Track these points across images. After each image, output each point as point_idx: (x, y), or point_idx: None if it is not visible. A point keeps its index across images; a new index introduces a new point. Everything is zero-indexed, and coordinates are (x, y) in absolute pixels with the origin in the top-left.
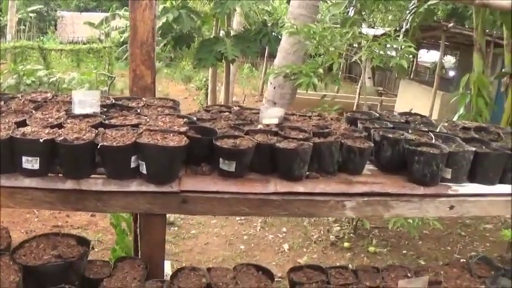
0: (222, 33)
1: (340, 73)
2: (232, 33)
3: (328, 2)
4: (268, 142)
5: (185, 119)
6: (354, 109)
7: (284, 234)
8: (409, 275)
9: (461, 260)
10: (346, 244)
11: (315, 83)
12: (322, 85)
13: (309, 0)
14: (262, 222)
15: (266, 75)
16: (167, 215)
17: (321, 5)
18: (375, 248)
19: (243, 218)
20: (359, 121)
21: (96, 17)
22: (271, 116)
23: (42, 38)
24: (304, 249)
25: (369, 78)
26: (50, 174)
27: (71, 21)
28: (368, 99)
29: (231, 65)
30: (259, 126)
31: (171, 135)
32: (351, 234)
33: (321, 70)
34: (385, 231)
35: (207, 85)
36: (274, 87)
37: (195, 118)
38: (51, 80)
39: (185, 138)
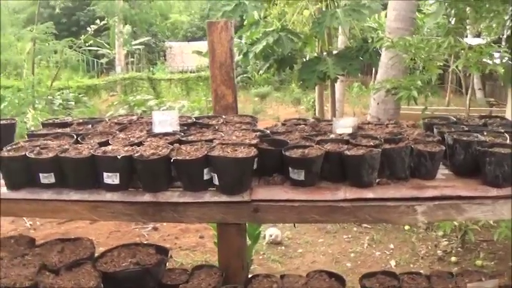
0: (324, 53)
1: (449, 85)
2: (334, 52)
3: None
4: (336, 150)
5: (258, 133)
6: None
7: (391, 251)
8: (483, 279)
9: None
10: (453, 259)
11: (415, 96)
12: (432, 99)
13: (405, 12)
14: (370, 239)
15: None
16: (276, 236)
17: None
18: (482, 262)
19: (350, 236)
20: (435, 126)
21: (204, 45)
22: (344, 125)
23: (152, 68)
24: (411, 265)
25: (479, 89)
26: (130, 189)
27: (180, 51)
28: (477, 111)
29: (337, 84)
30: (332, 136)
31: (242, 147)
32: (458, 249)
33: (419, 82)
34: (492, 244)
35: (315, 106)
36: (378, 103)
37: (268, 131)
38: (161, 109)
39: (254, 149)
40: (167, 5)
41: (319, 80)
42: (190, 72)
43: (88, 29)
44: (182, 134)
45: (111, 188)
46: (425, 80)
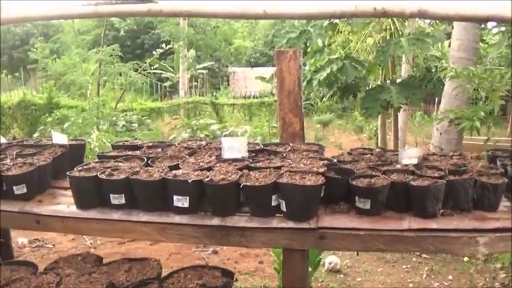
0: (387, 81)
1: (510, 116)
2: (398, 80)
3: (488, 42)
4: (402, 180)
5: (326, 161)
6: None
7: (450, 282)
8: None
9: None
10: None
11: (477, 126)
12: (493, 130)
13: (469, 42)
14: (429, 270)
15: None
16: (335, 264)
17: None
18: None
19: (409, 265)
20: (498, 159)
21: (267, 71)
22: (410, 156)
23: (215, 93)
24: None
25: None
26: (199, 212)
27: (243, 76)
28: None
29: (400, 112)
30: (398, 166)
31: (310, 175)
32: None
33: (482, 113)
34: None
35: (377, 134)
36: (441, 133)
37: (335, 160)
38: (224, 133)
39: (322, 178)
40: (231, 30)
41: (382, 109)
42: (253, 97)
43: (154, 52)
44: (251, 160)
45: (180, 210)
46: (487, 111)
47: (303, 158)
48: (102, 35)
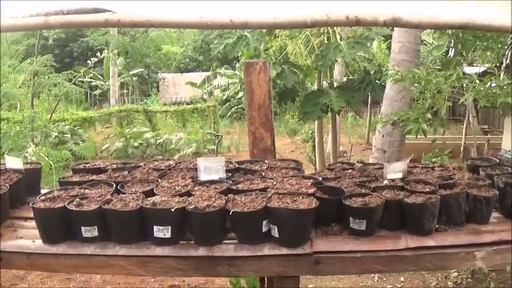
0: (325, 84)
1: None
2: (335, 84)
3: (428, 45)
4: (396, 198)
5: (311, 180)
6: (461, 150)
7: (402, 284)
8: None
9: None
10: None
11: (424, 128)
12: (431, 129)
13: (410, 44)
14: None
15: (372, 123)
16: None
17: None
18: None
19: None
20: (480, 168)
21: (197, 76)
22: (395, 170)
23: (145, 100)
24: None
25: (474, 117)
26: (181, 242)
27: (173, 83)
28: (474, 139)
29: (336, 115)
30: (385, 182)
31: (301, 197)
32: (469, 279)
33: (429, 115)
34: (502, 274)
35: (314, 137)
36: (383, 136)
37: (320, 178)
38: (158, 141)
39: (315, 200)
40: (159, 36)
41: (322, 113)
42: (186, 104)
43: (89, 62)
44: (230, 182)
45: (161, 241)
46: (433, 113)
47: (285, 177)
48: (36, 45)
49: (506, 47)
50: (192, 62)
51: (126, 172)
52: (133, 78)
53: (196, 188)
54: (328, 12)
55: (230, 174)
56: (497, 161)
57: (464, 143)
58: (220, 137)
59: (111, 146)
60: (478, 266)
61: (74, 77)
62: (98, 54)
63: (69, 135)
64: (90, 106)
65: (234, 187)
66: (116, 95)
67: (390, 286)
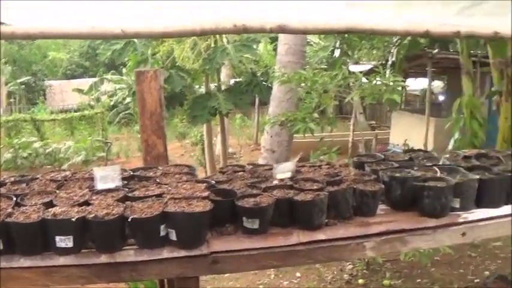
0: (212, 87)
1: (332, 114)
2: (222, 86)
3: (314, 45)
4: (286, 196)
5: (204, 184)
6: (349, 146)
7: (298, 279)
8: None
9: (476, 281)
10: (360, 281)
11: (312, 127)
12: (319, 128)
13: (296, 46)
14: (275, 269)
15: (260, 124)
16: None
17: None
18: (389, 281)
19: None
20: (366, 164)
21: (85, 83)
22: (284, 170)
23: (32, 109)
24: None
25: (361, 113)
26: (83, 250)
27: (60, 90)
28: (363, 135)
29: (224, 117)
30: (275, 182)
31: (195, 201)
32: (364, 271)
33: (315, 114)
34: (397, 263)
35: (203, 140)
36: (271, 136)
37: (213, 181)
38: (47, 151)
39: (209, 202)
40: (46, 42)
41: (211, 116)
42: (74, 111)
43: None
44: (126, 189)
45: (63, 251)
46: (320, 112)
47: (179, 182)
48: None
49: (391, 45)
50: (79, 68)
51: (25, 185)
52: (21, 86)
53: (94, 197)
54: (216, 21)
55: (126, 182)
56: (382, 156)
57: (353, 139)
58: (109, 144)
59: (1, 158)
60: (369, 256)
61: None
62: None
63: None
64: None
65: (130, 194)
66: (4, 105)
67: (287, 282)
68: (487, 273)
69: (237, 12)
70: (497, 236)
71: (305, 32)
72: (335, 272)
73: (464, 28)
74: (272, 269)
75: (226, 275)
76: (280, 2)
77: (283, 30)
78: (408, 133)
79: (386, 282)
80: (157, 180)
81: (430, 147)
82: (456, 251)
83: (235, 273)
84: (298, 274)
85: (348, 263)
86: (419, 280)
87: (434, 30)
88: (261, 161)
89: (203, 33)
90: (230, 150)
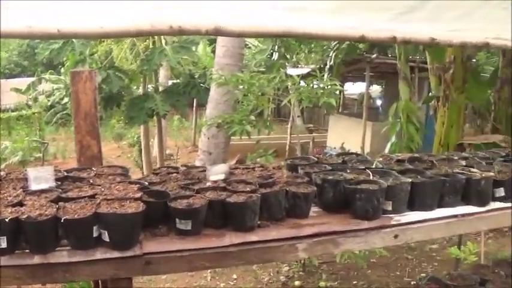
0: (150, 88)
1: (269, 116)
2: (160, 87)
3: (252, 48)
4: (219, 198)
5: (137, 185)
6: (286, 149)
7: (235, 281)
8: None
9: (412, 283)
10: (296, 283)
11: (248, 130)
12: (255, 130)
13: (234, 48)
14: (212, 271)
15: (198, 126)
16: None
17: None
18: (326, 283)
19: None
20: (299, 167)
21: (23, 82)
22: (217, 172)
23: None
24: None
25: (298, 116)
26: (17, 251)
27: None
28: (300, 138)
29: (162, 119)
30: (208, 184)
31: (128, 202)
32: (300, 273)
33: (252, 117)
34: (333, 265)
35: (140, 141)
36: (208, 138)
37: (146, 183)
38: None
39: (142, 203)
40: None
41: (148, 117)
42: (11, 111)
43: None
44: (60, 190)
45: None
46: (257, 114)
47: (113, 183)
48: None
49: (329, 49)
50: (17, 67)
51: None
52: None
53: (27, 198)
54: (152, 22)
55: (60, 182)
56: (316, 159)
57: (290, 142)
58: (46, 145)
59: None
60: (301, 257)
61: None
62: None
63: None
64: None
65: (64, 195)
66: None
67: (223, 284)
68: (423, 275)
69: (174, 13)
70: (430, 239)
71: (241, 34)
72: (271, 274)
73: (400, 34)
74: (208, 271)
75: (164, 276)
76: (218, 4)
77: (219, 32)
78: (345, 136)
79: (322, 284)
80: (91, 181)
81: (367, 151)
82: (392, 254)
83: (172, 275)
84: (234, 276)
85: (284, 265)
86: (355, 282)
87: (369, 35)
88: (197, 163)
89: (139, 34)
90: (168, 151)
